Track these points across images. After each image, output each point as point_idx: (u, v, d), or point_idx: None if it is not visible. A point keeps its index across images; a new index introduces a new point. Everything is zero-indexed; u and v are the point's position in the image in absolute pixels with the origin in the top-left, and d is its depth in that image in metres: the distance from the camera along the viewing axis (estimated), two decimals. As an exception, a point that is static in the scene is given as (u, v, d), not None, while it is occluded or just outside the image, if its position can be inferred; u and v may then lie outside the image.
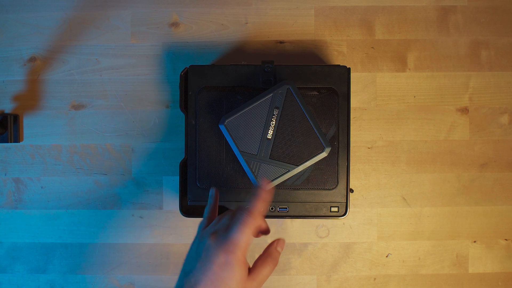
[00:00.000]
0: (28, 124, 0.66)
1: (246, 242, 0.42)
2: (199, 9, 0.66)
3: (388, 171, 0.66)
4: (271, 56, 0.66)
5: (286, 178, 0.54)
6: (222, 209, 0.59)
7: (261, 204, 0.44)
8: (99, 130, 0.66)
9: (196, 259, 0.42)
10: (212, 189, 0.52)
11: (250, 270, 0.43)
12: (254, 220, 0.42)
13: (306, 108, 0.54)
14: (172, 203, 0.66)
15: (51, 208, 0.66)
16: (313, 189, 0.58)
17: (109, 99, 0.66)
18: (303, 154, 0.54)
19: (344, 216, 0.58)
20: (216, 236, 0.43)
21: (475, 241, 0.66)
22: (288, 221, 0.66)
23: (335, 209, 0.58)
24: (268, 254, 0.45)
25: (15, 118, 0.65)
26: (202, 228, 0.46)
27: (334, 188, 0.58)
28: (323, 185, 0.58)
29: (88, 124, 0.66)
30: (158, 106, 0.66)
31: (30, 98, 0.66)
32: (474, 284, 0.66)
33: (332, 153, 0.58)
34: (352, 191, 0.59)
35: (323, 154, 0.54)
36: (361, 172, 0.66)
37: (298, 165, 0.54)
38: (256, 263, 0.44)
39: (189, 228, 0.66)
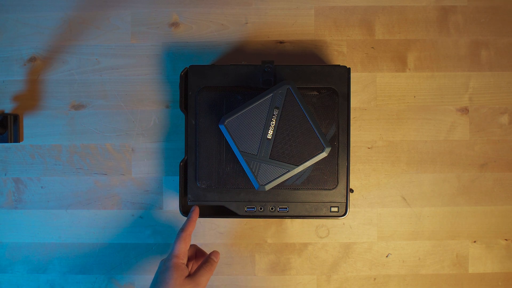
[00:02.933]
0: (28, 124, 0.66)
1: (180, 251, 0.53)
2: (199, 9, 0.66)
3: (388, 171, 0.66)
4: (271, 56, 0.66)
5: (286, 178, 0.54)
6: (223, 209, 0.59)
7: (191, 223, 0.56)
8: (99, 130, 0.66)
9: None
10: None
11: (191, 275, 0.53)
12: (185, 233, 0.55)
13: (306, 108, 0.54)
14: (172, 203, 0.66)
15: (51, 208, 0.66)
16: (313, 189, 0.58)
17: (109, 99, 0.66)
18: (303, 154, 0.54)
19: (344, 216, 0.58)
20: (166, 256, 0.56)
21: (475, 241, 0.66)
22: (288, 221, 0.66)
23: (335, 209, 0.58)
24: (205, 261, 0.55)
25: (15, 118, 0.65)
26: None
27: (334, 188, 0.58)
28: (323, 185, 0.58)
29: (88, 124, 0.66)
30: (158, 106, 0.66)
31: (30, 98, 0.66)
32: (474, 284, 0.66)
33: (332, 153, 0.58)
34: (352, 191, 0.59)
35: (323, 154, 0.54)
36: (361, 172, 0.66)
37: (298, 165, 0.54)
38: (196, 269, 0.54)
39: (189, 228, 0.66)
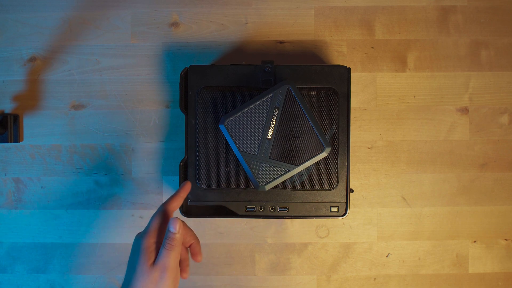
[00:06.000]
0: (28, 124, 0.66)
1: (154, 227, 0.46)
2: (199, 9, 0.66)
3: (388, 171, 0.66)
4: (271, 56, 0.66)
5: (286, 178, 0.54)
6: (223, 209, 0.59)
7: (175, 198, 0.49)
8: (99, 130, 0.66)
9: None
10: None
11: (156, 258, 0.45)
12: (164, 207, 0.48)
13: (306, 108, 0.54)
14: (172, 203, 0.66)
15: (51, 208, 0.66)
16: (313, 189, 0.58)
17: (109, 99, 0.66)
18: (303, 154, 0.54)
19: (344, 216, 0.58)
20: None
21: (475, 241, 0.66)
22: (288, 221, 0.66)
23: (335, 209, 0.58)
24: (164, 237, 0.46)
25: (15, 118, 0.65)
26: None
27: (334, 188, 0.58)
28: (323, 185, 0.58)
29: (88, 124, 0.66)
30: (158, 106, 0.66)
31: (30, 98, 0.66)
32: (474, 284, 0.66)
33: (332, 153, 0.58)
34: (352, 191, 0.59)
35: (323, 154, 0.54)
36: (361, 172, 0.66)
37: (298, 165, 0.54)
38: (159, 250, 0.45)
39: (189, 228, 0.66)
